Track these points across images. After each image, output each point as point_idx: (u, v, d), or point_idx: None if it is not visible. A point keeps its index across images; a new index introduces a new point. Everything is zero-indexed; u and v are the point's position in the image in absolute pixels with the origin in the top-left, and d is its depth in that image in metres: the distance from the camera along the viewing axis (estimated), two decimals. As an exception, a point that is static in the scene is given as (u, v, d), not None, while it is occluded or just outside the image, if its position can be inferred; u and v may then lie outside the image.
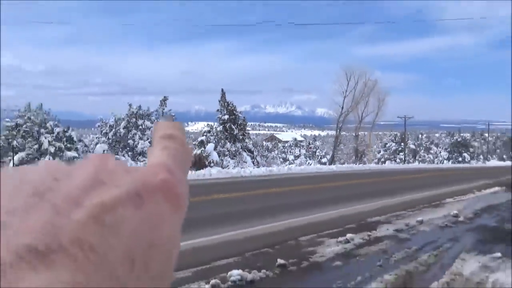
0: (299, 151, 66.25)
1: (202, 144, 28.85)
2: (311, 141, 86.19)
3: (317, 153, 67.29)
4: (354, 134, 49.61)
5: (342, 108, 46.52)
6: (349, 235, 8.69)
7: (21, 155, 26.87)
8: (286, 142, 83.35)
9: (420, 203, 14.12)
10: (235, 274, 5.93)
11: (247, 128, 35.10)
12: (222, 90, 32.69)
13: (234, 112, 32.87)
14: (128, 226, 0.29)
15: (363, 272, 6.50)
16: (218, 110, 33.17)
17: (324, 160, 60.47)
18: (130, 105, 33.69)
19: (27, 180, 0.30)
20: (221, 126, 31.99)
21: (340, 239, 8.52)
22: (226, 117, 31.99)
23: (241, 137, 32.15)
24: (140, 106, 33.84)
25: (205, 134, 30.98)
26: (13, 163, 25.14)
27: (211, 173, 20.24)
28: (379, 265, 6.96)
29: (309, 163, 49.37)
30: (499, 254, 7.69)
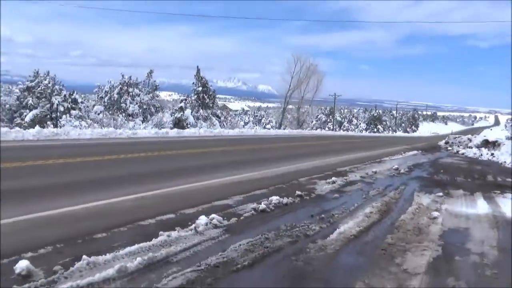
0: (248, 118, 67.64)
1: (181, 109, 29.52)
2: (255, 111, 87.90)
3: (262, 121, 69.03)
4: (297, 107, 51.61)
5: (290, 85, 48.58)
6: (333, 178, 10.08)
7: (35, 112, 26.58)
8: (236, 110, 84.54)
9: (367, 160, 15.79)
10: (274, 199, 7.11)
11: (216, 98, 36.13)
12: (197, 67, 33.59)
13: (206, 85, 33.74)
14: None
15: (354, 202, 7.86)
16: (193, 83, 33.97)
17: (268, 126, 62.20)
18: (122, 75, 34.08)
19: None
20: (195, 96, 32.80)
21: (328, 180, 9.89)
22: (200, 88, 32.82)
23: (211, 105, 33.07)
24: (130, 76, 34.08)
25: (182, 101, 31.59)
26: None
27: (199, 132, 21.07)
28: (364, 197, 8.37)
29: (256, 127, 50.99)
30: (440, 193, 9.29)
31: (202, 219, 5.51)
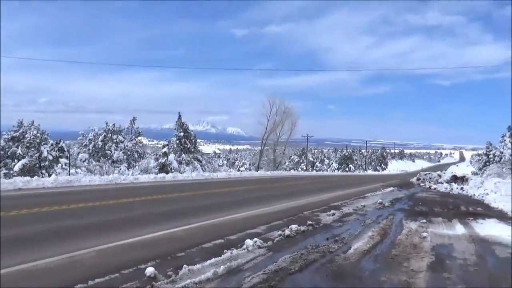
0: (222, 161, 69.24)
1: (165, 154, 30.99)
2: (226, 154, 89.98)
3: (235, 164, 70.77)
4: (273, 149, 53.74)
5: (267, 128, 50.91)
6: (332, 211, 11.82)
7: (23, 161, 27.38)
8: (208, 154, 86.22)
9: (352, 196, 17.64)
10: (294, 227, 8.75)
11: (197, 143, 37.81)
12: (179, 113, 35.38)
13: (187, 130, 35.44)
14: None
15: (356, 228, 9.57)
16: (175, 129, 35.69)
17: (242, 168, 63.91)
18: (106, 123, 35.55)
19: None
20: (177, 141, 34.41)
21: (328, 213, 11.61)
22: (182, 134, 34.48)
23: (192, 149, 34.70)
24: (114, 124, 35.42)
25: (164, 146, 33.08)
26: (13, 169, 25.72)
27: (192, 175, 22.54)
28: (362, 225, 10.10)
29: (231, 170, 52.67)
30: (424, 220, 11.11)
31: (249, 242, 7.10)
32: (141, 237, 7.38)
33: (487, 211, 14.06)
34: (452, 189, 24.90)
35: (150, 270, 5.18)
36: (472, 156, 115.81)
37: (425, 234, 8.91)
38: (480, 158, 79.50)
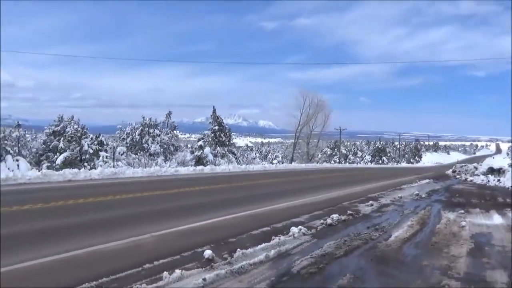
0: (254, 154, 69.94)
1: (201, 148, 31.81)
2: (258, 147, 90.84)
3: (268, 156, 71.39)
4: (306, 142, 54.12)
5: (300, 121, 51.41)
6: (370, 202, 12.15)
7: (65, 154, 28.69)
8: (240, 147, 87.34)
9: (389, 187, 17.87)
10: (335, 216, 9.15)
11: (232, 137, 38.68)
12: (213, 107, 36.39)
13: (222, 124, 36.32)
14: None
15: (395, 218, 9.88)
16: (210, 122, 36.62)
17: (275, 161, 64.43)
18: (143, 117, 36.80)
19: None
20: (212, 135, 35.31)
21: (366, 203, 11.95)
22: (216, 127, 35.36)
23: (227, 142, 35.50)
24: (150, 118, 36.71)
25: (200, 140, 33.98)
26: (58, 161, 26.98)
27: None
28: (401, 215, 10.41)
29: (264, 163, 53.26)
30: (462, 211, 11.34)
31: (294, 229, 7.56)
32: (194, 224, 7.94)
33: (526, 203, 14.07)
34: (488, 181, 24.68)
35: (208, 253, 5.70)
36: (508, 147, 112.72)
37: (463, 223, 9.16)
38: (518, 149, 77.43)
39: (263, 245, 6.48)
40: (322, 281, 5.02)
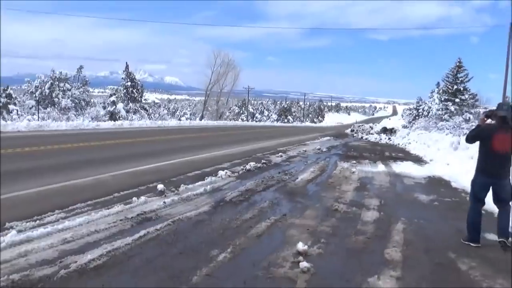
0: (163, 111, 69.97)
1: (113, 103, 32.16)
2: (165, 103, 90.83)
3: (176, 113, 71.98)
4: (216, 100, 55.66)
5: (211, 80, 52.58)
6: (280, 154, 14.35)
7: None
8: (148, 103, 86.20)
9: (295, 143, 20.35)
10: (252, 164, 11.13)
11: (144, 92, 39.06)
12: (126, 63, 36.43)
13: (134, 80, 36.61)
14: None
15: (301, 166, 12.11)
16: (122, 78, 36.72)
17: (183, 118, 65.34)
18: (53, 70, 35.75)
19: None
20: (124, 90, 35.61)
21: (276, 155, 14.12)
22: (129, 83, 35.65)
23: (139, 99, 36.06)
24: (61, 72, 35.77)
25: (112, 95, 34.17)
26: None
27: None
28: (305, 164, 12.69)
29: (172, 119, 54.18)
30: (354, 161, 13.93)
31: (222, 172, 9.40)
32: (141, 167, 9.56)
33: (406, 156, 17.21)
34: (381, 139, 28.43)
35: (160, 186, 7.34)
36: (404, 110, 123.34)
37: (354, 170, 11.63)
38: (411, 112, 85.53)
39: (199, 182, 8.25)
40: (248, 205, 6.89)
